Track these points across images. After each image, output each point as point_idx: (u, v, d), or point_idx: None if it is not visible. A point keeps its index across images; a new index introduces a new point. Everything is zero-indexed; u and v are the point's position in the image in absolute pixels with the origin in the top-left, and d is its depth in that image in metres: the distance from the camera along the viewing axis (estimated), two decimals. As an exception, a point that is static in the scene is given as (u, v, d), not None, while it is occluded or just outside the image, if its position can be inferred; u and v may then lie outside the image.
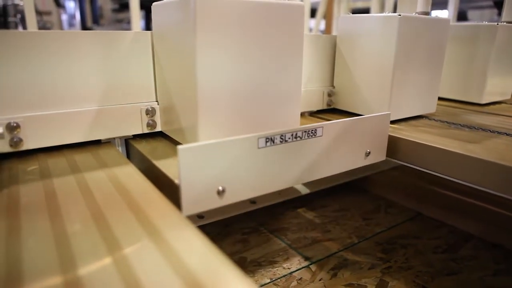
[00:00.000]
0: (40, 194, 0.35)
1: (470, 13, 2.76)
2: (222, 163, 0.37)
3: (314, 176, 0.46)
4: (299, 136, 0.43)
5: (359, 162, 0.51)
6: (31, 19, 1.19)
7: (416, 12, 0.67)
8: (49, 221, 0.30)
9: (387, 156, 0.55)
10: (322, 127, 0.45)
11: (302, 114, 0.69)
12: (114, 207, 0.33)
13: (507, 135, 0.56)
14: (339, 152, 0.48)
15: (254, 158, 0.40)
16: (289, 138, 0.42)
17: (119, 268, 0.24)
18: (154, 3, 0.49)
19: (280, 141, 0.41)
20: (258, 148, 0.40)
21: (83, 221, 0.30)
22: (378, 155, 0.54)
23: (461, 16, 2.60)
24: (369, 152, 0.52)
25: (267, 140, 0.40)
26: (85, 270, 0.24)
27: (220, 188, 0.38)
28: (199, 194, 0.37)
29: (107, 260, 0.25)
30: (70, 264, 0.25)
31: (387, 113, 0.52)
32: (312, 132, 0.44)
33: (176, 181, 0.37)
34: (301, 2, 0.47)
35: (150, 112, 0.52)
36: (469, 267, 0.62)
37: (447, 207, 0.77)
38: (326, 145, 0.46)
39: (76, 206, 0.33)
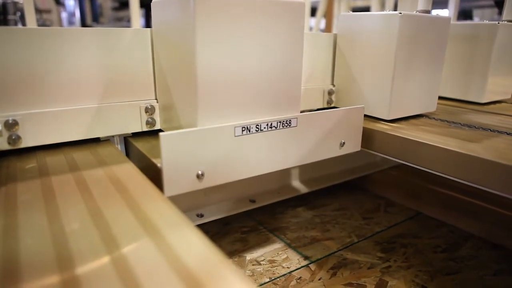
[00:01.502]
0: (38, 192, 0.35)
1: (475, 12, 2.76)
2: (201, 149, 0.41)
3: (288, 164, 0.49)
4: (274, 126, 0.46)
5: (334, 152, 0.54)
6: (31, 17, 1.18)
7: (417, 11, 0.66)
8: (47, 219, 0.30)
9: (362, 147, 0.58)
10: (297, 118, 0.48)
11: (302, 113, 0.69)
12: (113, 205, 0.33)
13: (507, 134, 0.56)
14: (314, 142, 0.51)
15: (231, 146, 0.43)
16: (264, 128, 0.45)
17: (117, 266, 0.24)
18: (153, 1, 0.49)
19: (256, 130, 0.44)
20: (235, 136, 0.43)
21: (81, 219, 0.30)
22: (353, 146, 0.57)
23: (467, 14, 2.59)
24: (344, 143, 0.55)
25: (243, 129, 0.43)
26: (82, 268, 0.24)
27: (200, 172, 0.41)
28: (179, 177, 0.40)
29: (105, 258, 0.25)
30: (67, 262, 0.25)
31: (361, 106, 0.55)
32: (287, 123, 0.47)
33: (159, 164, 0.40)
34: (302, 0, 0.47)
35: (149, 110, 0.51)
36: (469, 266, 0.62)
37: (447, 206, 0.77)
38: (301, 135, 0.49)
39: (74, 204, 0.33)
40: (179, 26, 0.43)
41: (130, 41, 0.49)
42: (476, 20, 2.69)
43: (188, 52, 0.42)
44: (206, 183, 0.42)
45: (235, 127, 0.42)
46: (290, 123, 0.47)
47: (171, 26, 0.45)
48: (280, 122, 0.46)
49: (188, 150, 0.40)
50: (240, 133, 0.43)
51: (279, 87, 0.48)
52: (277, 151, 0.47)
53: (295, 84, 0.50)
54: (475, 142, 0.51)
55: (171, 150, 0.38)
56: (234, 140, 0.43)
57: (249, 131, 0.44)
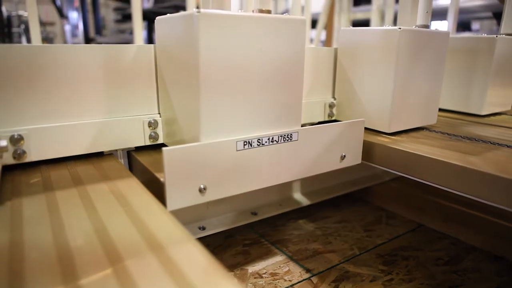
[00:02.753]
0: (42, 207, 0.36)
1: (474, 24, 2.78)
2: (203, 163, 0.41)
3: (289, 177, 0.50)
4: (275, 140, 0.46)
5: (335, 165, 0.55)
6: (35, 29, 1.20)
7: (416, 25, 0.67)
8: (51, 234, 0.30)
9: (363, 160, 0.59)
10: (298, 132, 0.48)
11: (303, 126, 0.69)
12: (116, 220, 0.33)
13: (507, 147, 0.56)
14: (315, 156, 0.52)
15: (233, 160, 0.43)
16: (266, 142, 0.46)
17: (121, 281, 0.24)
18: (157, 17, 0.50)
19: (258, 144, 0.45)
20: (237, 150, 0.43)
21: (85, 234, 0.31)
22: (354, 159, 0.57)
23: (465, 26, 2.61)
24: (344, 156, 0.55)
25: (245, 143, 0.44)
26: (86, 283, 0.24)
27: (202, 186, 0.42)
28: (182, 191, 0.40)
29: (108, 273, 0.25)
30: (72, 278, 0.25)
31: (361, 120, 0.56)
32: (288, 137, 0.47)
33: (162, 179, 0.40)
34: (302, 17, 0.48)
35: (153, 124, 0.52)
36: (472, 279, 0.62)
37: (449, 218, 0.77)
38: (302, 148, 0.50)
39: (78, 219, 0.33)
40: (183, 42, 0.44)
41: (134, 57, 0.50)
42: (474, 27, 2.71)
43: (191, 68, 0.43)
44: (208, 197, 0.43)
45: (237, 141, 0.43)
46: (291, 137, 0.48)
47: (175, 42, 0.46)
48: (281, 136, 0.47)
49: (190, 164, 0.40)
50: (242, 148, 0.44)
51: (280, 101, 0.49)
52: (278, 165, 0.48)
53: (296, 98, 0.51)
54: (475, 155, 0.51)
55: (173, 165, 0.39)
56: (236, 155, 0.43)
57: (251, 145, 0.44)
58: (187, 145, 0.40)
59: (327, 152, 0.53)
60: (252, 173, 0.46)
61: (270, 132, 0.46)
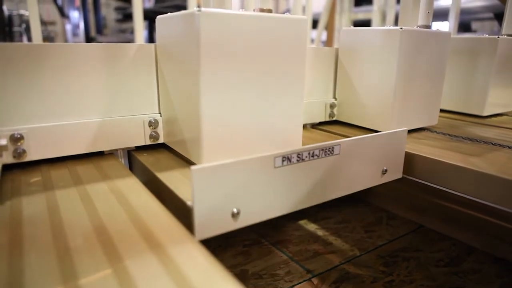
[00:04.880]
0: (42, 206, 0.35)
1: (474, 24, 2.78)
2: (237, 183, 0.36)
3: (330, 196, 0.45)
4: (316, 155, 0.42)
5: (376, 180, 0.50)
6: (36, 29, 1.20)
7: (418, 26, 0.67)
8: (51, 235, 0.30)
9: (403, 173, 0.53)
10: (340, 144, 0.44)
11: (304, 126, 0.69)
12: (116, 220, 0.33)
13: (509, 148, 0.56)
14: (356, 171, 0.47)
15: (270, 178, 0.38)
16: (306, 157, 0.41)
17: (121, 282, 0.24)
18: (158, 16, 0.49)
19: (297, 160, 0.40)
20: (275, 167, 0.38)
21: (85, 234, 0.30)
22: (395, 173, 0.52)
23: (466, 27, 2.61)
24: (386, 170, 0.50)
25: (284, 159, 0.39)
26: (86, 283, 0.24)
27: (235, 210, 0.37)
28: (212, 217, 0.35)
29: (109, 275, 0.25)
30: (72, 278, 0.25)
31: (403, 130, 0.51)
32: (329, 150, 0.43)
33: (189, 203, 0.35)
34: (304, 16, 0.48)
35: (153, 124, 0.52)
36: (472, 281, 0.61)
37: (450, 219, 0.77)
38: (343, 163, 0.45)
39: (78, 219, 0.33)
40: (183, 41, 0.44)
41: (134, 56, 0.49)
42: (474, 29, 2.70)
43: (192, 67, 0.43)
44: (241, 223, 0.38)
45: (275, 157, 0.38)
46: (332, 150, 0.43)
47: (175, 41, 0.46)
48: (322, 150, 0.42)
49: (223, 184, 0.35)
50: (281, 164, 0.39)
51: (282, 102, 0.49)
52: (318, 182, 0.43)
53: (297, 99, 0.50)
54: (476, 156, 0.51)
55: (204, 186, 0.34)
56: (273, 172, 0.39)
57: (290, 161, 0.40)
58: (219, 162, 0.34)
59: (369, 166, 0.48)
60: (290, 193, 0.41)
61: (310, 146, 0.41)
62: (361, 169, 0.47)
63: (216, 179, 0.34)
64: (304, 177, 0.41)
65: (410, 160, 0.54)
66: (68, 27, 3.82)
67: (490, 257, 0.68)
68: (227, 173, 0.35)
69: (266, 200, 0.39)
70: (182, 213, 0.36)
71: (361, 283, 0.60)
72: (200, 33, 0.40)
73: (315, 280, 0.61)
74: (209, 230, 0.35)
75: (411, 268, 0.64)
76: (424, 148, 0.54)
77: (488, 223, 0.72)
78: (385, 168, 0.50)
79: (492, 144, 0.58)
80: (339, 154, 0.44)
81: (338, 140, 0.44)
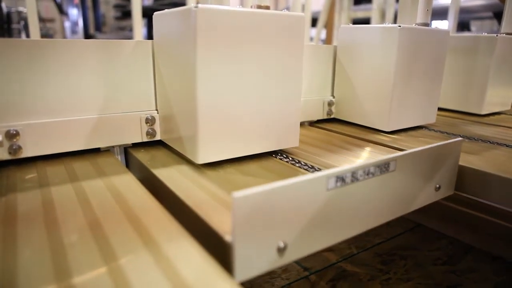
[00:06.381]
0: (37, 203, 0.35)
1: (473, 23, 2.78)
2: (284, 211, 0.30)
3: (385, 219, 0.41)
4: (371, 173, 0.37)
5: (430, 197, 0.45)
6: (34, 26, 1.19)
7: (416, 23, 0.67)
8: (45, 231, 0.30)
9: (455, 189, 0.48)
10: (396, 160, 0.39)
11: (302, 124, 0.69)
12: (112, 217, 0.33)
13: (506, 146, 0.56)
14: (412, 188, 0.42)
15: (322, 203, 0.33)
16: (360, 176, 0.36)
17: (115, 280, 0.24)
18: (155, 13, 0.49)
19: (352, 180, 0.35)
20: (327, 189, 0.33)
21: (80, 231, 0.30)
22: (448, 189, 0.47)
23: (465, 26, 2.61)
24: (439, 187, 0.45)
25: (338, 179, 0.34)
26: (80, 281, 0.24)
27: (281, 244, 0.31)
28: (255, 254, 0.29)
29: (102, 271, 0.25)
30: (65, 275, 0.25)
31: (459, 139, 0.45)
32: (385, 167, 0.38)
33: (228, 237, 0.29)
34: (302, 13, 0.48)
35: (150, 121, 0.52)
36: (470, 279, 0.61)
37: (447, 218, 0.77)
38: (399, 180, 0.40)
39: (73, 215, 0.33)
40: (180, 38, 0.44)
41: (131, 52, 0.49)
42: (473, 28, 2.71)
43: (189, 64, 0.42)
44: (288, 258, 0.32)
45: (328, 178, 0.33)
46: (388, 167, 0.38)
47: (172, 38, 0.46)
48: (377, 167, 0.37)
49: (268, 214, 0.29)
50: (334, 185, 0.34)
51: (279, 99, 0.49)
52: (373, 204, 0.38)
53: (295, 96, 0.50)
54: (474, 154, 0.51)
55: (246, 217, 0.28)
56: (326, 196, 0.33)
57: (344, 181, 0.34)
58: (264, 187, 0.28)
59: (424, 182, 0.43)
60: (343, 218, 0.36)
61: (365, 163, 0.36)
62: (416, 186, 0.43)
63: (261, 207, 0.29)
64: (359, 199, 0.37)
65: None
66: (67, 24, 3.81)
67: (488, 255, 0.68)
68: (274, 199, 0.29)
69: (317, 228, 0.33)
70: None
71: (358, 281, 0.60)
72: (196, 29, 0.40)
73: (312, 278, 0.61)
74: (251, 269, 0.29)
75: (408, 266, 0.64)
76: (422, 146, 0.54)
77: (486, 222, 0.72)
78: (438, 185, 0.45)
79: (490, 142, 0.58)
80: (394, 170, 0.39)
81: (393, 155, 0.39)
